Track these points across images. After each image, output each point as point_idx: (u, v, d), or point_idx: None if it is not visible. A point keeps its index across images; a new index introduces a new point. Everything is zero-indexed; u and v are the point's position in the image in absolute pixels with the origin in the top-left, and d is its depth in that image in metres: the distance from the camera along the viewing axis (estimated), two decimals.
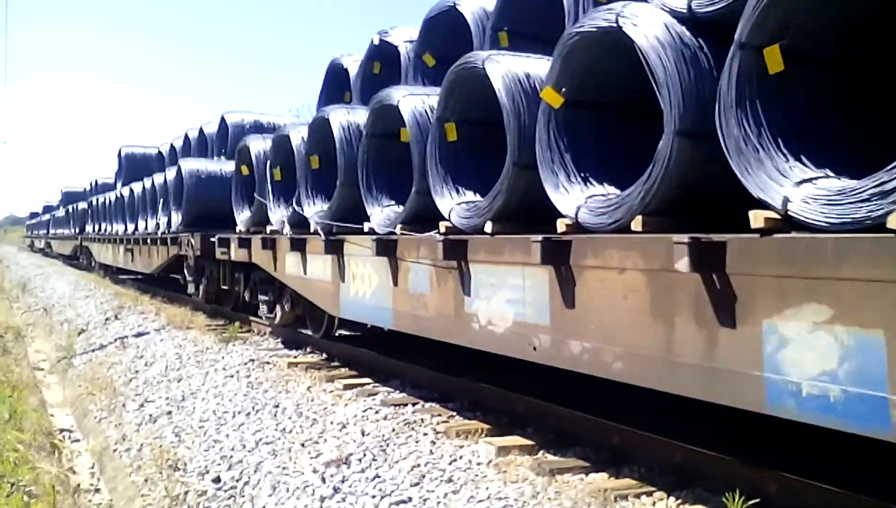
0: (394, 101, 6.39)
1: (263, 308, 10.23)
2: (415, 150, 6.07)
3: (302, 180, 8.15)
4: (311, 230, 7.76)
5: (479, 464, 4.94)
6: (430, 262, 5.85)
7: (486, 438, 5.39)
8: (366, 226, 6.83)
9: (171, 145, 18.33)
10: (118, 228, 19.36)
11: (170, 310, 13.51)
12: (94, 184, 27.08)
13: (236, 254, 10.29)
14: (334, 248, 7.34)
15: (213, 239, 11.14)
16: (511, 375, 6.52)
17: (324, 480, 4.85)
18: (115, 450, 6.51)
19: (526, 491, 4.38)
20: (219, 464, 5.49)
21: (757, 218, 3.36)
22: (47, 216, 43.86)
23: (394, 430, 5.76)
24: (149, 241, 15.57)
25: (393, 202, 6.70)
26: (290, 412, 6.50)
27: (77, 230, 27.94)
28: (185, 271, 13.24)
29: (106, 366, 9.77)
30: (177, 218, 13.52)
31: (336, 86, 10.19)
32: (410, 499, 4.46)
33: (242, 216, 10.51)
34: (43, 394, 9.59)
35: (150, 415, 7.13)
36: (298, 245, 8.17)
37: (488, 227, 5.17)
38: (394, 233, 6.32)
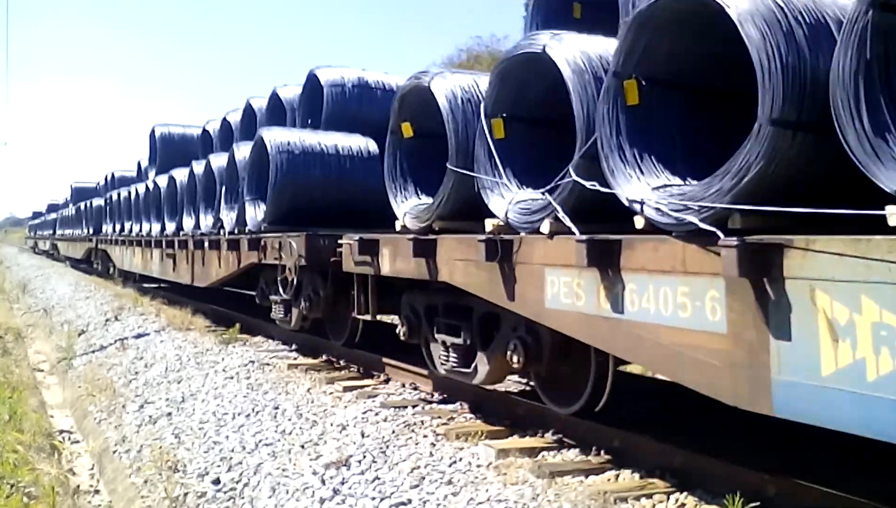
0: None
1: (448, 357, 6.07)
2: None
3: (606, 128, 4.29)
4: (640, 226, 4.07)
5: (478, 466, 4.94)
6: None
7: (486, 440, 5.38)
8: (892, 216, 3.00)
9: (225, 120, 14.11)
10: (150, 227, 15.66)
11: (170, 311, 13.50)
12: (109, 178, 23.67)
13: (397, 266, 6.36)
14: (755, 265, 3.39)
15: (341, 242, 7.42)
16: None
17: (324, 482, 4.84)
18: (114, 451, 6.50)
19: (526, 493, 4.38)
20: (218, 466, 5.49)
21: None
22: (53, 215, 40.44)
23: (394, 432, 5.76)
24: (205, 244, 11.48)
25: None
26: (290, 414, 6.50)
27: (91, 231, 24.41)
28: (279, 288, 8.89)
29: (106, 367, 9.77)
30: (255, 213, 9.72)
31: (557, 5, 6.61)
32: (410, 501, 4.45)
33: (407, 205, 6.57)
34: (43, 395, 9.59)
35: (150, 416, 7.12)
36: (599, 254, 4.23)
37: None
38: None
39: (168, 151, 16.95)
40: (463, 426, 5.85)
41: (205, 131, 15.50)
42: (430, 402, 6.68)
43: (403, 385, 7.33)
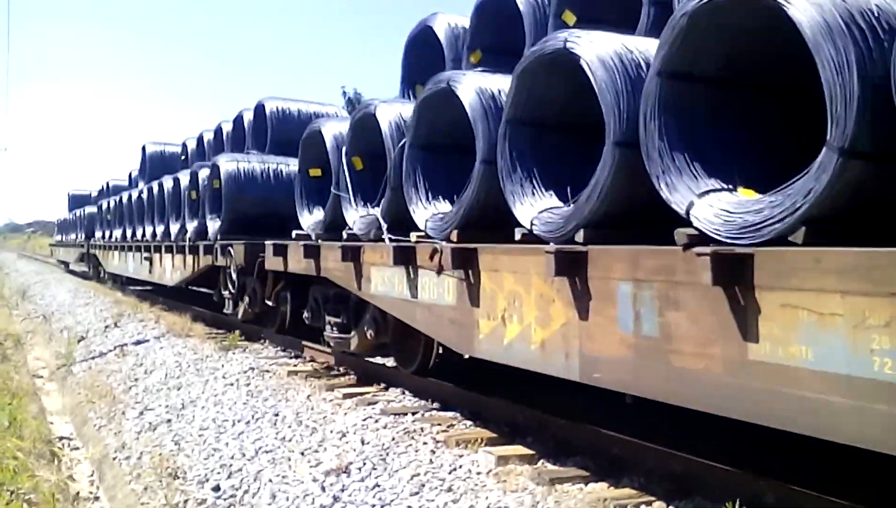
0: None
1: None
2: None
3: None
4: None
5: (478, 473, 4.95)
6: None
7: (485, 447, 5.39)
8: None
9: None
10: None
11: (169, 318, 13.50)
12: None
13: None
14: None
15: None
16: (511, 385, 6.53)
17: (323, 489, 4.85)
18: (114, 458, 6.50)
19: (525, 501, 4.39)
20: (218, 473, 5.49)
21: None
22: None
23: (394, 439, 5.77)
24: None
25: None
26: (290, 421, 6.50)
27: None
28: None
29: (105, 374, 9.77)
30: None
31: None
32: None
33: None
34: (42, 402, 9.58)
35: (150, 423, 7.12)
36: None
37: None
38: None
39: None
40: (463, 433, 5.86)
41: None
42: (430, 409, 6.69)
43: (403, 392, 7.34)
